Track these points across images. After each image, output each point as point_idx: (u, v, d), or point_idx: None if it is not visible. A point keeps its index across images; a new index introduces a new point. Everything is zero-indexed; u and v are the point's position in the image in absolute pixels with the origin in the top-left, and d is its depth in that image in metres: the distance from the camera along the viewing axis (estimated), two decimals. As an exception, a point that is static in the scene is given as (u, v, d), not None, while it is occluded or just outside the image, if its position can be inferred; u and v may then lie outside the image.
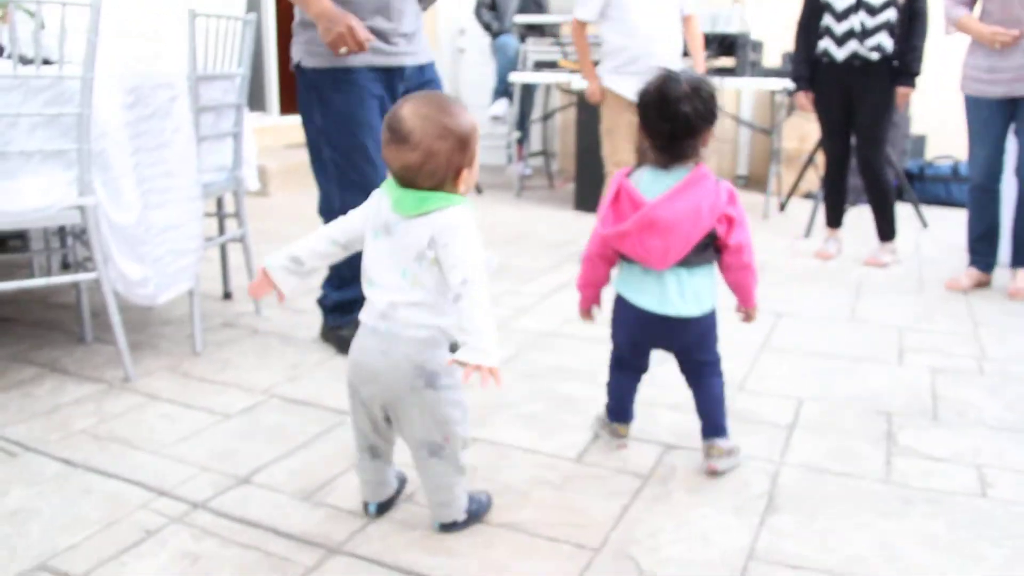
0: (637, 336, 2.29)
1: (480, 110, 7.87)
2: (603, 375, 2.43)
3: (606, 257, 2.27)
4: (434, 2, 3.31)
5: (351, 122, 2.89)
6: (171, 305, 3.18)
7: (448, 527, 1.97)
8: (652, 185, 2.14)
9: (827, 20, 4.52)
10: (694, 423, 2.46)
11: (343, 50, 2.74)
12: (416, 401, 1.84)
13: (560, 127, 8.06)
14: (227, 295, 3.86)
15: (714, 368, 2.31)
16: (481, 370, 1.69)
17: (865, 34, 4.41)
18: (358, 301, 3.08)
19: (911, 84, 4.48)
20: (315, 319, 3.39)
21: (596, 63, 4.49)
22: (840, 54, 4.50)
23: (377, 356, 1.83)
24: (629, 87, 4.11)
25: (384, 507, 2.06)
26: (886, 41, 4.40)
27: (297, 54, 2.96)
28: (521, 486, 2.22)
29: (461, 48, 8.49)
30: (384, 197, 1.83)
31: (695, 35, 4.47)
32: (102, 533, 1.96)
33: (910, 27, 4.40)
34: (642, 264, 2.16)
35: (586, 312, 2.41)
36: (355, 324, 1.76)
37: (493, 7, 7.45)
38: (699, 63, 4.51)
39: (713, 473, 2.29)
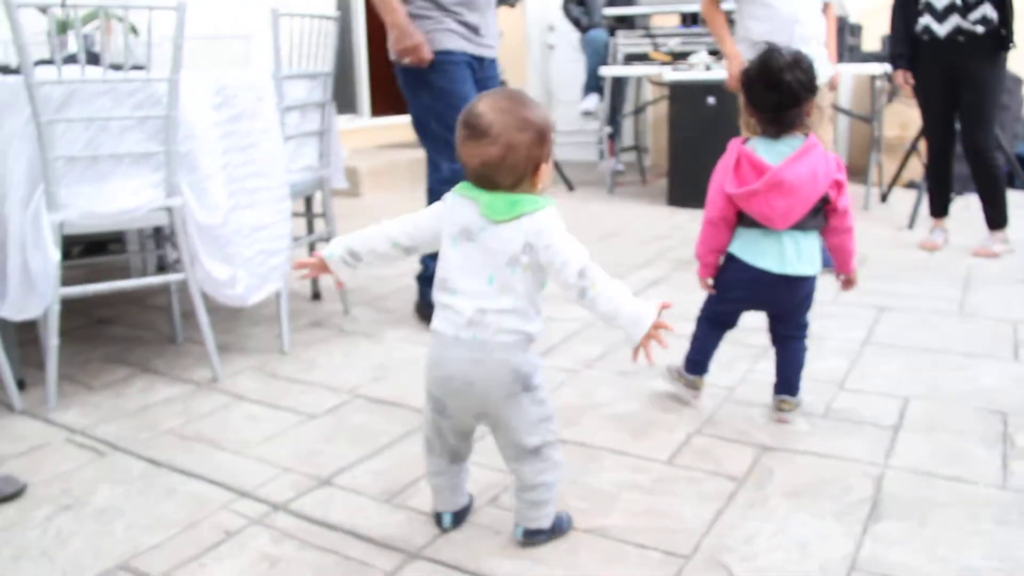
0: (750, 295, 2.44)
1: (571, 106, 7.79)
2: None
3: (728, 220, 2.39)
4: None
5: (454, 97, 3.19)
6: (260, 305, 3.19)
7: (532, 535, 1.88)
8: (766, 153, 2.32)
9: None
10: (791, 424, 2.36)
11: (406, 60, 3.19)
12: (514, 406, 1.78)
13: (652, 121, 7.91)
14: (316, 295, 3.87)
15: (804, 332, 2.50)
16: (649, 339, 1.73)
17: (968, 7, 4.16)
18: None
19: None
20: (404, 318, 3.36)
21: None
22: (942, 30, 4.26)
23: (468, 367, 1.75)
24: None
25: (459, 519, 1.98)
26: (991, 12, 4.13)
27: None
28: (609, 489, 2.13)
29: (551, 44, 8.42)
30: (462, 201, 1.77)
31: (831, 24, 4.25)
32: (183, 534, 1.95)
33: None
34: (764, 224, 2.32)
35: (705, 281, 2.52)
36: None
37: (581, 2, 7.35)
38: (832, 53, 4.25)
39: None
